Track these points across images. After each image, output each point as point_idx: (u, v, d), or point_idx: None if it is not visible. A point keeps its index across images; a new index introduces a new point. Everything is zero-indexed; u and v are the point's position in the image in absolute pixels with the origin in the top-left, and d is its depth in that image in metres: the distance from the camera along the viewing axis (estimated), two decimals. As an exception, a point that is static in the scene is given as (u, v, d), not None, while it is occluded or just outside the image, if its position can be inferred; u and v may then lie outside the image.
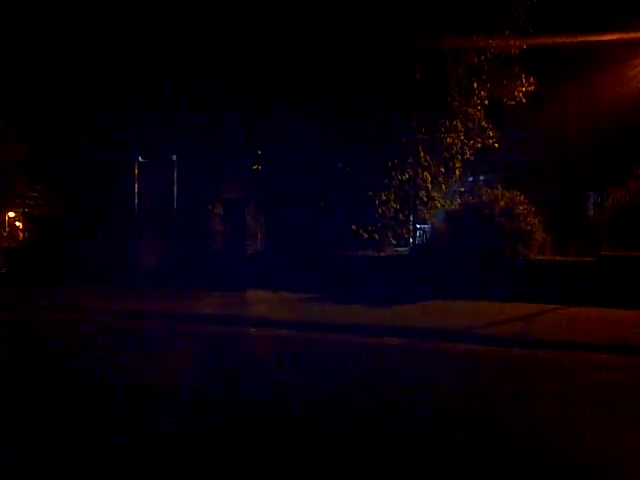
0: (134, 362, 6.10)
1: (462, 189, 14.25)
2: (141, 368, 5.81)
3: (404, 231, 13.29)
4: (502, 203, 11.56)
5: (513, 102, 12.70)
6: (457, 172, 13.42)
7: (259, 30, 12.04)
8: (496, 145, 13.02)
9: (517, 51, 12.39)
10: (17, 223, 19.82)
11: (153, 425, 4.05)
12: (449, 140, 12.87)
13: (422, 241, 13.19)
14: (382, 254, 12.62)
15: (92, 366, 5.81)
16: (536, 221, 11.58)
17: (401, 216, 13.21)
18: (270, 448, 3.63)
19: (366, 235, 12.69)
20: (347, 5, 11.70)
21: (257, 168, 13.96)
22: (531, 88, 12.48)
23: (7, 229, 20.39)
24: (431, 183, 13.21)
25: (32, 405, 4.48)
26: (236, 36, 12.32)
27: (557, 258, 11.43)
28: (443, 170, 13.35)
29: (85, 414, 4.23)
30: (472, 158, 13.27)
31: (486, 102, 12.76)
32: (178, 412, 4.31)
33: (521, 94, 12.48)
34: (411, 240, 12.87)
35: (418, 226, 13.30)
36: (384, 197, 12.85)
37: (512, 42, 12.20)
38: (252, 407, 4.48)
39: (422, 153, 12.69)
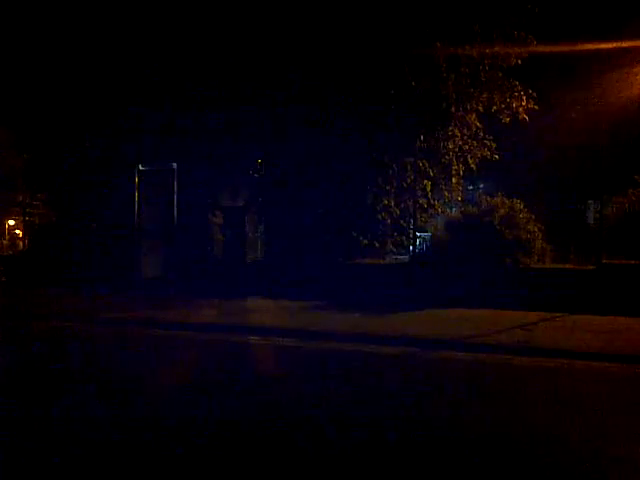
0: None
1: (462, 197, 14.25)
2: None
3: (404, 239, 13.27)
4: (502, 211, 11.57)
5: (508, 119, 12.67)
6: (456, 179, 13.41)
7: (259, 40, 12.12)
8: (496, 157, 13.02)
9: (514, 62, 12.37)
10: (17, 231, 19.84)
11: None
12: (450, 146, 12.86)
13: (422, 249, 13.18)
14: (382, 262, 12.61)
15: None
16: (536, 229, 11.59)
17: (402, 222, 13.20)
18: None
19: (366, 242, 12.69)
20: (342, 13, 11.76)
21: (257, 176, 13.98)
22: (531, 105, 12.45)
23: (7, 237, 20.41)
24: (431, 190, 13.20)
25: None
26: (237, 45, 12.38)
27: (557, 266, 11.41)
28: (443, 177, 13.32)
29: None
30: (472, 166, 13.25)
31: (481, 109, 12.73)
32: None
33: (521, 109, 12.45)
34: (411, 248, 12.86)
35: (418, 234, 13.29)
36: (385, 202, 12.84)
37: (509, 50, 12.20)
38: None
39: (420, 159, 12.69)
